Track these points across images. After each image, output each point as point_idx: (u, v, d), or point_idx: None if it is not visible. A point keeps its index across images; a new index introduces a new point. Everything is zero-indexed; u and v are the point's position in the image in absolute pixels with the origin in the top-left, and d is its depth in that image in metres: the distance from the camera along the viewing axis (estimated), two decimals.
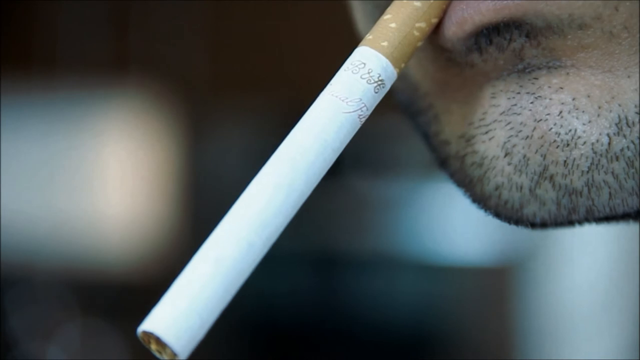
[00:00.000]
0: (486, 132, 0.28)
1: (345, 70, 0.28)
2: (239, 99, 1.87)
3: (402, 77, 0.30)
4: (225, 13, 1.83)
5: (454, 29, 0.27)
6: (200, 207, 1.87)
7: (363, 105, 0.28)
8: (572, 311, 1.65)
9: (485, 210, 0.29)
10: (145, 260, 1.81)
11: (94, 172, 1.85)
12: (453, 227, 1.74)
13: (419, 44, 0.28)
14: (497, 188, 0.28)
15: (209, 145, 1.86)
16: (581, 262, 1.66)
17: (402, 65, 0.28)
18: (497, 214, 0.29)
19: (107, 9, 1.85)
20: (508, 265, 1.73)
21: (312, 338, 1.82)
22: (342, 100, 0.27)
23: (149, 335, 0.26)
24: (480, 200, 0.29)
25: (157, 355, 0.26)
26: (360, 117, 0.28)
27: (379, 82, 0.28)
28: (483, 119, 0.28)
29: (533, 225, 0.29)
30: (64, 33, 1.85)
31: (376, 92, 0.28)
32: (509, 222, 0.29)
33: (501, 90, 0.28)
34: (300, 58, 1.81)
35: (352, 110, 0.27)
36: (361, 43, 0.28)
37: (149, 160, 1.84)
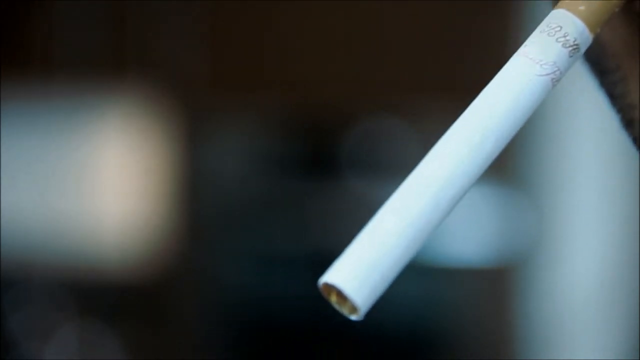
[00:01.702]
0: None
1: (540, 32, 0.27)
2: (238, 100, 1.87)
3: None
4: (225, 14, 1.83)
5: None
6: (199, 208, 1.86)
7: (557, 69, 0.27)
8: (572, 311, 1.66)
9: None
10: (144, 262, 1.80)
11: (93, 173, 1.84)
12: (453, 227, 1.74)
13: (617, 9, 0.28)
14: None
15: (207, 146, 1.85)
16: (581, 261, 1.67)
17: (598, 30, 0.28)
18: None
19: (105, 9, 1.84)
20: (508, 265, 1.73)
21: (312, 339, 1.82)
22: (536, 63, 0.27)
23: (330, 287, 0.26)
24: None
25: (337, 307, 0.26)
26: (553, 80, 0.27)
27: (574, 47, 0.27)
28: None
29: None
30: (62, 35, 1.84)
31: (570, 57, 0.27)
32: None
33: None
34: (299, 59, 1.81)
35: (545, 73, 0.27)
36: (557, 5, 0.28)
37: (148, 161, 1.83)
